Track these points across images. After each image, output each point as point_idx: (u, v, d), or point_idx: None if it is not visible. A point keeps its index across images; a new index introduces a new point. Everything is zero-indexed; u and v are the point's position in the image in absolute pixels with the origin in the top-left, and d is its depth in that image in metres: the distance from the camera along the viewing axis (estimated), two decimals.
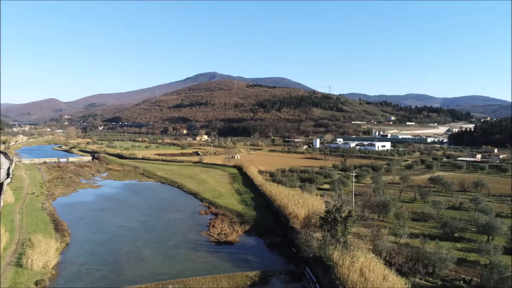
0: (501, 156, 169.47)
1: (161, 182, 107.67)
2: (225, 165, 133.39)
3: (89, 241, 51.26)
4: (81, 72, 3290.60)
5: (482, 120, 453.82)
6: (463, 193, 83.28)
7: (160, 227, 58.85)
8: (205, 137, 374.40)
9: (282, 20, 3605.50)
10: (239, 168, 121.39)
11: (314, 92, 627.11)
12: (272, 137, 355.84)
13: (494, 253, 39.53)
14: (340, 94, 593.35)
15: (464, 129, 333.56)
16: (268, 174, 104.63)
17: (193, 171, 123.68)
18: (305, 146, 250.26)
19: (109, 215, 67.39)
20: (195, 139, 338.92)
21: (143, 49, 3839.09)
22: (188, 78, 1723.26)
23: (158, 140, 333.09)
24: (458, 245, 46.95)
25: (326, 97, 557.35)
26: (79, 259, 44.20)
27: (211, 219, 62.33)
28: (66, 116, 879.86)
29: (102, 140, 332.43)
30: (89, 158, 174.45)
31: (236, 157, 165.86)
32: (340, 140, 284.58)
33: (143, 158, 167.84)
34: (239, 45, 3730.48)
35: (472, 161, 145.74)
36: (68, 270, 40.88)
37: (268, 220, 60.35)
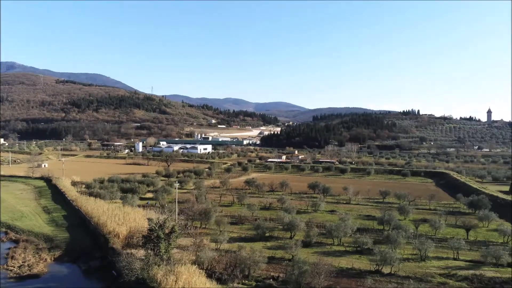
0: (300, 157, 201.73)
1: None
2: (29, 177, 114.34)
3: None
4: None
5: (286, 124, 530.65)
6: (272, 193, 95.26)
7: None
8: (1, 141, 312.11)
9: (99, 15, 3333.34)
10: (48, 180, 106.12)
11: (136, 92, 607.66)
12: (89, 140, 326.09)
13: (295, 248, 46.66)
14: (163, 96, 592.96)
15: (273, 132, 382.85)
16: (84, 186, 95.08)
17: None
18: (127, 150, 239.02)
19: None
20: None
21: None
22: None
23: None
24: (269, 244, 53.25)
25: (149, 98, 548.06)
26: None
27: (9, 249, 52.10)
28: None
29: None
30: None
31: (43, 166, 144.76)
32: (163, 143, 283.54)
33: None
34: (46, 32, 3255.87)
35: (279, 162, 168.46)
36: None
37: (84, 241, 54.60)
